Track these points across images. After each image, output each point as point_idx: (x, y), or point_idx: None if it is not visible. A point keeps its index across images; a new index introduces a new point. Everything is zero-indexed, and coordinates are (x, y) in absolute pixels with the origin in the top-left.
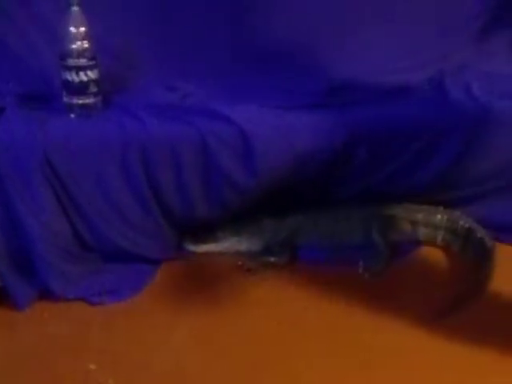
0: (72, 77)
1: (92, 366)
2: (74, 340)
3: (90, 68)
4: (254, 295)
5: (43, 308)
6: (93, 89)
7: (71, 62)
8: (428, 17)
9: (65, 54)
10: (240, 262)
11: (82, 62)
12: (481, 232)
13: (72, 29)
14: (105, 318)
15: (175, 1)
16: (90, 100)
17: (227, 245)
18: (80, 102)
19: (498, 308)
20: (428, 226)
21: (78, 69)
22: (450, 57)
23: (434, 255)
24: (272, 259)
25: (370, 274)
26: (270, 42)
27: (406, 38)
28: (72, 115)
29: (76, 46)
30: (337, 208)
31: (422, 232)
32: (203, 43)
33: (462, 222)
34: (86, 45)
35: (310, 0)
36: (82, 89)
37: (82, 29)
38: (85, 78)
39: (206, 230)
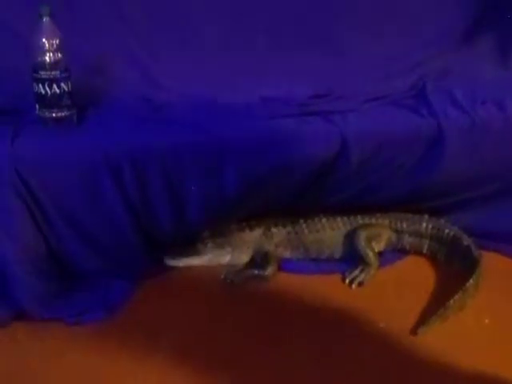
0: (45, 89)
1: None
2: (50, 362)
3: (63, 80)
4: (238, 309)
5: (17, 328)
6: (66, 101)
7: (44, 74)
8: (403, 24)
9: (37, 66)
10: (222, 276)
11: (55, 73)
12: (467, 240)
13: (44, 40)
14: (81, 339)
15: (149, 10)
16: (63, 113)
17: (209, 257)
18: (54, 115)
19: (484, 317)
20: (413, 234)
21: (51, 81)
22: (430, 64)
23: (420, 264)
24: (256, 272)
25: (357, 284)
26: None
27: (383, 47)
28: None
29: (48, 57)
30: (322, 218)
31: (408, 241)
32: (175, 53)
33: (447, 230)
34: (58, 56)
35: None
36: (55, 101)
37: (55, 40)
38: (58, 91)
39: (186, 244)
